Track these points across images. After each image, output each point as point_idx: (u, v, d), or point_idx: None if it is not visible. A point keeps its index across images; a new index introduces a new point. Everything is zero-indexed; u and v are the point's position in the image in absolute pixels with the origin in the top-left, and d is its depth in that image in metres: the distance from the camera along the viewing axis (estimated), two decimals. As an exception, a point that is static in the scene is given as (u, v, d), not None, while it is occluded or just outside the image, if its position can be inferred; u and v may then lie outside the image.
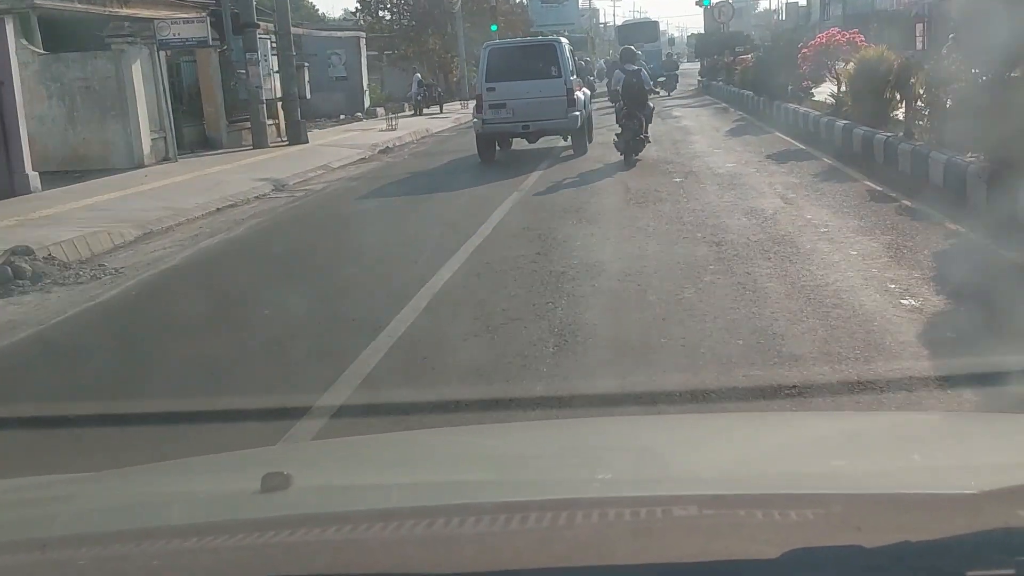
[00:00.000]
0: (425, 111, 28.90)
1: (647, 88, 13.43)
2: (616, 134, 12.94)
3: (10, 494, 1.68)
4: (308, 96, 21.76)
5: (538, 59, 14.88)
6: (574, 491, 1.34)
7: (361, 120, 26.18)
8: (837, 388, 4.10)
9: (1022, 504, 1.06)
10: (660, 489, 1.33)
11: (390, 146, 18.69)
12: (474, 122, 15.27)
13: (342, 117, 27.34)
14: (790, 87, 18.13)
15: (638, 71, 13.44)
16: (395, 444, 2.04)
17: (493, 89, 14.49)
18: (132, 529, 1.29)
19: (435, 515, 1.18)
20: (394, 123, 22.38)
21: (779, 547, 0.96)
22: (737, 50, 29.82)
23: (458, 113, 28.54)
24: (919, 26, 33.58)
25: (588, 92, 17.53)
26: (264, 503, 1.33)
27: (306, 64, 22.38)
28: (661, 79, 30.28)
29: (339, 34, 30.97)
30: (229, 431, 4.04)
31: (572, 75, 14.98)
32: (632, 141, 12.60)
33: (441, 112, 29.37)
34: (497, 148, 15.18)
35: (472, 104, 23.58)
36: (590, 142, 15.53)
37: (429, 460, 1.73)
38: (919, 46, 29.57)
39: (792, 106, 17.24)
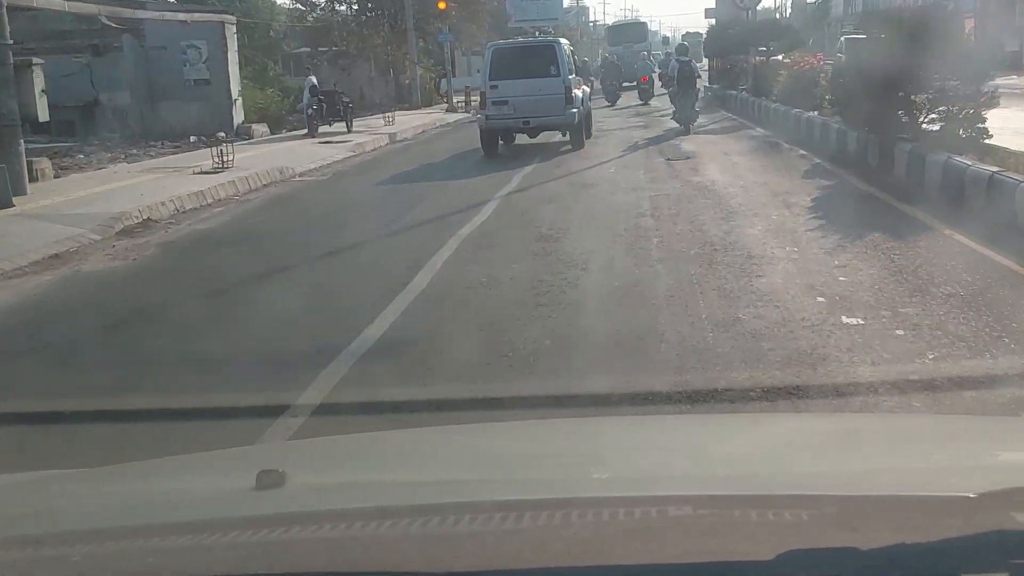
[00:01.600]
0: (326, 129, 20.18)
1: (696, 75, 17.81)
2: (673, 112, 17.66)
3: (3, 490, 1.68)
4: (44, 117, 13.76)
5: (538, 59, 15.61)
6: (570, 490, 1.34)
7: (221, 143, 14.27)
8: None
9: (1017, 507, 1.06)
10: (656, 489, 1.33)
11: (146, 218, 10.15)
12: (478, 117, 16.14)
13: (192, 139, 18.33)
14: (924, 118, 9.88)
15: (689, 61, 17.91)
16: (391, 442, 2.04)
17: (496, 87, 15.30)
18: (127, 526, 1.29)
19: (431, 513, 1.19)
20: (227, 158, 13.58)
21: (774, 548, 0.96)
22: (769, 48, 21.29)
23: (375, 133, 20.10)
24: (968, 23, 29.68)
25: (587, 90, 18.05)
26: (259, 500, 1.32)
27: (36, 61, 13.88)
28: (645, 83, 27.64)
29: (182, 17, 20.32)
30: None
31: (571, 74, 15.74)
32: (689, 112, 16.99)
33: (349, 131, 20.23)
34: (500, 143, 15.96)
35: (395, 122, 20.70)
36: (588, 138, 16.40)
37: (425, 458, 1.73)
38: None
39: (977, 168, 7.99)
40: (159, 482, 1.67)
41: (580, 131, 15.79)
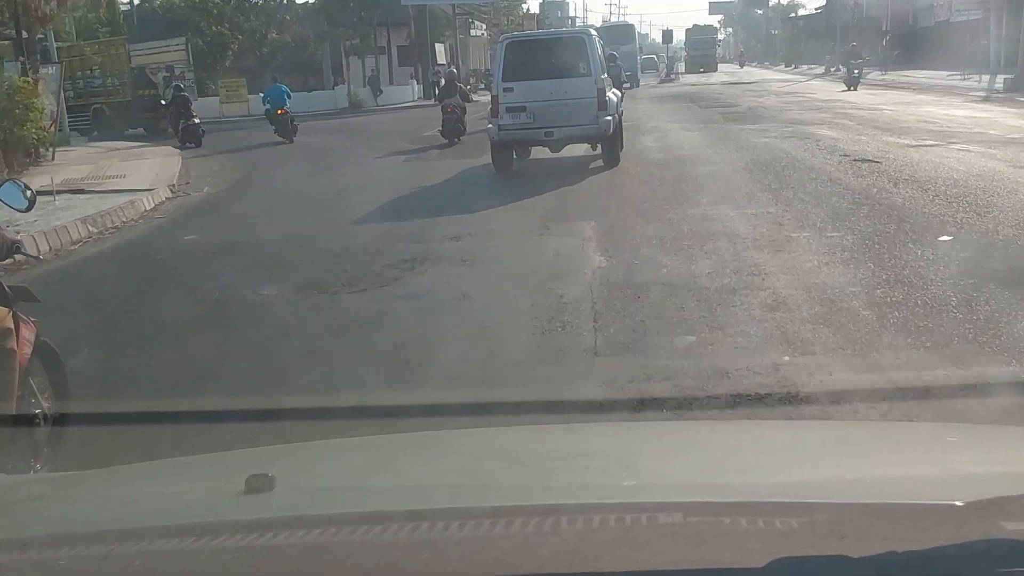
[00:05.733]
0: None
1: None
2: None
3: None
4: None
5: (564, 55, 12.88)
6: (560, 497, 1.33)
7: None
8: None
9: (1005, 515, 1.06)
10: (645, 496, 1.33)
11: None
12: (489, 128, 12.90)
13: None
14: None
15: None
16: (380, 447, 2.03)
17: (511, 89, 12.55)
18: (113, 530, 1.29)
19: (420, 519, 1.18)
20: None
21: (764, 555, 0.96)
22: None
23: None
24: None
25: (619, 93, 15.02)
26: (248, 505, 1.32)
27: None
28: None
29: None
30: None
31: (603, 73, 12.94)
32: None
33: None
34: (515, 157, 13.20)
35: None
36: (621, 150, 13.41)
37: (415, 463, 1.73)
38: None
39: None
40: (147, 485, 1.67)
41: (615, 143, 12.83)
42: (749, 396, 4.14)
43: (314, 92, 35.30)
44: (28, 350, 3.62)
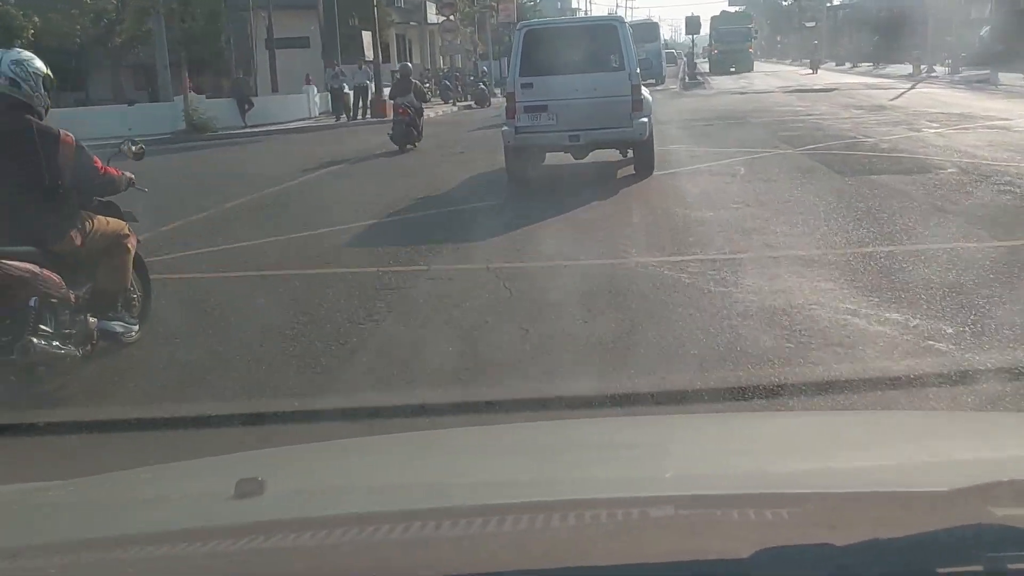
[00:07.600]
0: None
1: None
2: None
3: None
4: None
5: (592, 46, 11.21)
6: (550, 493, 1.34)
7: None
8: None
9: (993, 501, 1.07)
10: (636, 490, 1.34)
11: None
12: (504, 131, 11.30)
13: None
14: None
15: None
16: (369, 447, 2.03)
17: (530, 86, 10.99)
18: (104, 537, 1.28)
19: (411, 518, 1.18)
20: None
21: (754, 546, 0.97)
22: None
23: None
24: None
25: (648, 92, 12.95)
26: (238, 509, 1.31)
27: None
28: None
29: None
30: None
31: (636, 67, 11.30)
32: None
33: None
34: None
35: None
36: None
37: (404, 463, 1.72)
38: None
39: None
40: (136, 492, 1.66)
41: (650, 149, 11.28)
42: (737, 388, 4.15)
43: (138, 106, 24.47)
44: (134, 252, 5.39)
